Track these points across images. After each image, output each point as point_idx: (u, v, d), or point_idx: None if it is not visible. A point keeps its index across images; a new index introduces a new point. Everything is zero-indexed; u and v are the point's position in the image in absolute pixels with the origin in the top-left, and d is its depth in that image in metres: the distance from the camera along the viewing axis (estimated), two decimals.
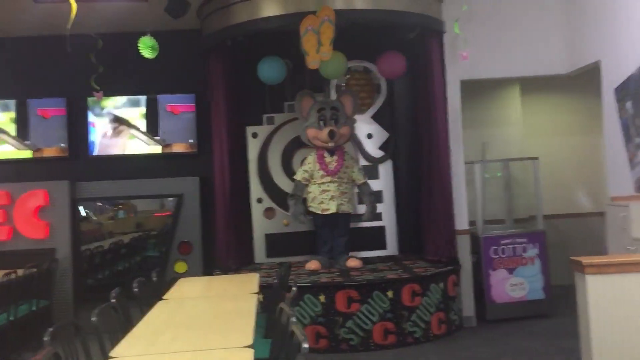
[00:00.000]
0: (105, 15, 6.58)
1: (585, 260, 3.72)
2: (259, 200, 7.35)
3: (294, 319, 2.91)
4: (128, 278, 7.10)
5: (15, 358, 5.91)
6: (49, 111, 7.31)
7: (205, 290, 4.82)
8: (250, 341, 3.14)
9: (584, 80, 7.71)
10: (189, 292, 4.77)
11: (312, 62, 5.31)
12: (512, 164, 7.47)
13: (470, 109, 6.91)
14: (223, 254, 6.72)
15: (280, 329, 3.65)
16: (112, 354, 3.00)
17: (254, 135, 7.39)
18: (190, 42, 7.22)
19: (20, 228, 6.85)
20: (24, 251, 6.77)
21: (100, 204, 7.31)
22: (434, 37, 6.53)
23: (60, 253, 6.89)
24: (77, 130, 7.30)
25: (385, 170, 7.43)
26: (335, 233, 6.74)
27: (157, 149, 7.31)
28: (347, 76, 7.32)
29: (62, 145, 7.30)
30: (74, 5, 4.80)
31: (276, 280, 4.74)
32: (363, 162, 7.31)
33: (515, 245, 6.71)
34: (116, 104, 7.33)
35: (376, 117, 7.45)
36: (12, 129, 7.27)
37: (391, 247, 7.42)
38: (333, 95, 7.30)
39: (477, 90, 7.30)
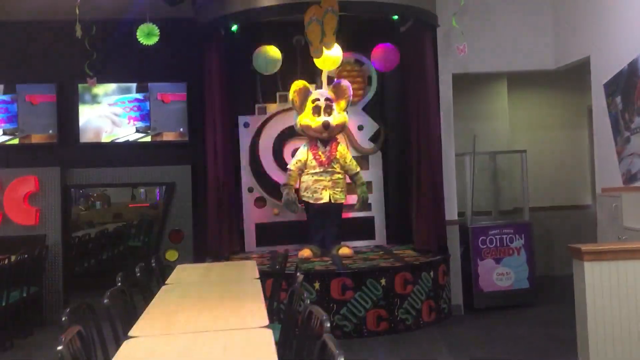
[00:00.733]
0: (97, 1, 6.54)
1: (584, 247, 3.86)
2: (250, 190, 7.39)
3: (327, 325, 2.95)
4: (114, 267, 7.16)
5: (7, 343, 5.88)
6: (38, 97, 7.23)
7: (205, 276, 4.86)
8: (266, 322, 3.20)
9: (568, 76, 7.92)
10: (190, 277, 4.80)
11: (315, 51, 5.37)
12: (499, 157, 7.63)
13: (458, 102, 7.03)
14: (215, 242, 6.76)
15: (292, 315, 3.74)
16: (131, 333, 3.03)
17: (246, 124, 7.42)
18: (183, 30, 7.21)
19: (11, 214, 6.80)
20: (14, 237, 6.74)
21: (79, 192, 7.27)
22: (427, 30, 6.64)
23: (50, 239, 6.85)
24: (67, 116, 7.24)
25: (375, 161, 7.54)
26: (327, 222, 6.83)
27: (147, 137, 7.29)
28: (339, 67, 7.38)
29: (51, 132, 7.24)
30: None
31: (277, 267, 4.80)
32: (353, 153, 7.38)
33: (503, 236, 6.88)
34: (107, 91, 7.29)
35: (367, 109, 7.54)
36: None
37: (380, 237, 7.54)
38: (324, 86, 7.37)
39: (466, 84, 7.44)
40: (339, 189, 6.71)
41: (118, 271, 7.14)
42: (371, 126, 7.53)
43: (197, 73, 7.24)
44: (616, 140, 5.64)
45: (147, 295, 4.73)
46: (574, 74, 7.82)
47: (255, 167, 7.41)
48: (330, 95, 6.73)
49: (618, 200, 4.75)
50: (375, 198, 7.44)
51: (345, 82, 6.81)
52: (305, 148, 6.73)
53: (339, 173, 6.72)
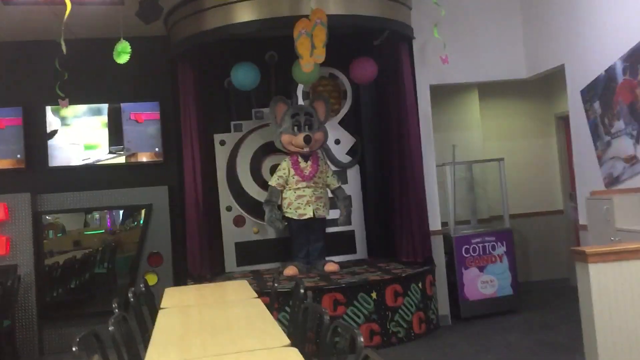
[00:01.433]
0: (69, 20, 6.34)
1: (588, 249, 3.89)
2: (228, 209, 7.24)
3: (361, 339, 2.89)
4: (82, 296, 6.90)
5: None
6: (4, 121, 6.95)
7: (200, 298, 4.71)
8: (287, 341, 3.11)
9: (535, 86, 8.11)
10: (184, 300, 4.64)
11: (306, 65, 5.32)
12: (474, 166, 7.71)
13: (434, 113, 7.08)
14: (195, 263, 6.58)
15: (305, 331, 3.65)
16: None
17: (222, 142, 7.29)
18: (154, 48, 7.08)
19: None
20: None
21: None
22: (403, 42, 6.68)
23: (22, 269, 6.55)
24: (35, 140, 6.97)
25: (353, 175, 7.51)
26: (311, 238, 6.75)
27: (121, 159, 7.08)
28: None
29: (19, 156, 6.96)
30: (69, 5, 4.60)
31: (276, 285, 4.70)
32: (331, 167, 7.35)
33: (485, 244, 6.94)
34: (76, 113, 7.06)
35: (342, 123, 7.52)
36: None
37: (361, 250, 7.50)
38: (300, 101, 7.33)
39: (440, 96, 7.51)
40: (322, 204, 6.65)
41: (86, 300, 6.92)
42: (348, 140, 7.51)
43: (168, 92, 7.11)
44: (596, 145, 5.77)
45: (141, 321, 4.57)
46: (541, 83, 8.02)
47: (233, 185, 7.28)
48: (310, 109, 6.69)
49: (608, 202, 4.84)
50: (355, 212, 7.40)
51: (322, 97, 6.84)
52: (286, 163, 6.65)
53: (321, 188, 6.67)
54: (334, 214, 6.96)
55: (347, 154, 7.50)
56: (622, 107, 5.34)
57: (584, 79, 5.90)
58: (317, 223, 6.68)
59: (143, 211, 7.01)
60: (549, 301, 7.44)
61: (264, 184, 7.18)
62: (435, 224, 6.78)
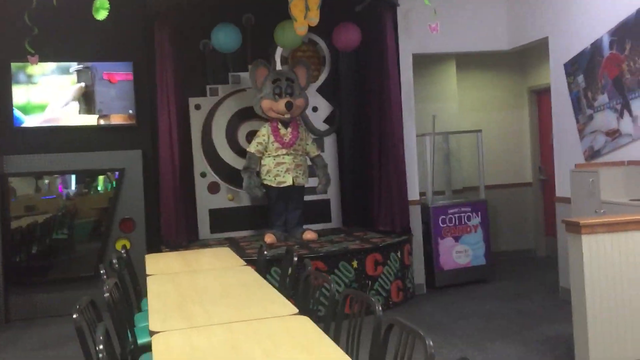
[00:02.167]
0: None
1: (582, 220, 3.94)
2: (203, 175, 7.09)
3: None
4: (45, 261, 6.67)
5: None
6: None
7: (186, 265, 4.58)
8: (295, 309, 3.06)
9: (510, 58, 8.14)
10: (170, 267, 4.51)
11: (300, 27, 5.17)
12: (451, 137, 7.73)
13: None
14: (169, 230, 6.44)
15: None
16: (152, 328, 2.79)
17: (197, 106, 7.09)
18: (129, 6, 6.77)
19: None
20: None
21: None
22: (387, 10, 6.57)
23: None
24: (1, 99, 6.63)
25: (330, 143, 7.44)
26: (290, 206, 6.67)
27: (92, 121, 6.81)
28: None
29: None
30: None
31: (265, 253, 4.65)
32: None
33: (461, 215, 7.00)
34: (44, 71, 6.74)
35: (320, 90, 7.41)
36: None
37: (336, 219, 7.48)
38: (278, 66, 7.18)
39: (417, 66, 7.45)
40: (301, 172, 6.56)
41: (49, 266, 6.68)
42: (326, 108, 7.41)
43: (142, 52, 6.85)
44: (577, 119, 5.83)
45: (124, 287, 4.44)
46: (517, 55, 8.05)
47: (208, 151, 7.11)
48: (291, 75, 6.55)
49: (594, 175, 4.90)
50: (332, 180, 7.34)
51: (304, 62, 6.70)
52: (266, 129, 6.51)
53: (301, 155, 6.57)
54: (312, 182, 6.89)
55: (324, 121, 7.41)
56: (606, 81, 5.40)
57: (568, 53, 5.94)
58: (295, 191, 6.60)
59: (101, 177, 6.75)
60: (518, 271, 7.59)
61: (239, 151, 7.04)
62: (413, 194, 6.79)
